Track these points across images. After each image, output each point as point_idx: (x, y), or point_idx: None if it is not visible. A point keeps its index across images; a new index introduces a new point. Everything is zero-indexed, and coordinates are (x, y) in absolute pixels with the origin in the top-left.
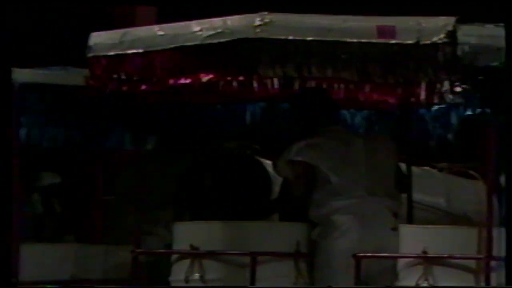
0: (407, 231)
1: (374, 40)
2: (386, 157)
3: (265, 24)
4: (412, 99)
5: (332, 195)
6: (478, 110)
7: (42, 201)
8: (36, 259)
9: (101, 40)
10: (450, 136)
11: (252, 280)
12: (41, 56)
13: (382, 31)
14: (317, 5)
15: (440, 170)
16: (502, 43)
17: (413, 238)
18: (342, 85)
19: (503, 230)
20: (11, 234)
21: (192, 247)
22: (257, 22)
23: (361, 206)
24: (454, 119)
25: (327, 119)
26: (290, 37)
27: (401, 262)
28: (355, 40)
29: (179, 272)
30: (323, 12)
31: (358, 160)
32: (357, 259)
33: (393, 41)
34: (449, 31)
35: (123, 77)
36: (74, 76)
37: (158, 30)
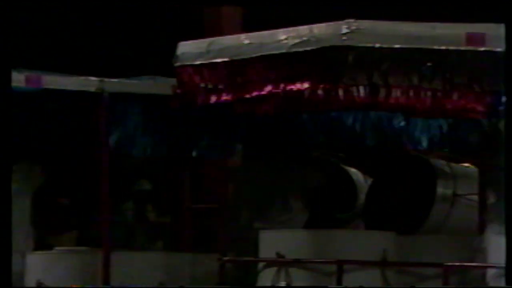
0: None
1: (462, 48)
2: None
3: (352, 32)
4: (500, 108)
5: None
6: None
7: (135, 209)
8: (126, 266)
9: (188, 49)
10: None
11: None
12: (130, 66)
13: (472, 39)
14: (400, 12)
15: None
16: None
17: None
18: (429, 93)
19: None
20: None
21: (278, 255)
22: (344, 30)
23: None
24: None
25: None
26: (377, 45)
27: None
28: (443, 48)
29: (265, 280)
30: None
31: None
32: None
33: (482, 49)
34: None
35: (210, 86)
36: (162, 86)
37: (244, 39)
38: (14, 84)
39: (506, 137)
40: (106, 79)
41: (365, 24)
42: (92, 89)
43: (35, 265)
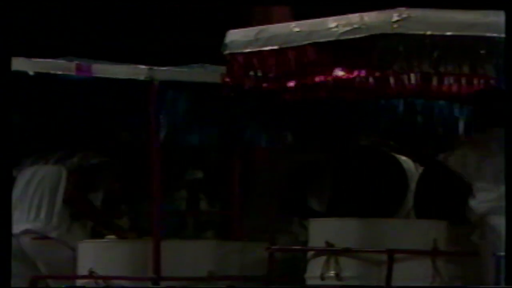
0: None
1: None
2: None
3: (403, 19)
4: None
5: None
6: None
7: (187, 198)
8: (176, 255)
9: (237, 37)
10: None
11: (388, 279)
12: (179, 54)
13: None
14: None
15: None
16: None
17: None
18: (482, 81)
19: None
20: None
21: (328, 244)
22: (395, 18)
23: None
24: None
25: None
26: (428, 32)
27: None
28: (495, 35)
29: (314, 269)
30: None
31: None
32: None
33: None
34: None
35: (259, 74)
36: (212, 74)
37: (294, 26)
38: (64, 72)
39: (506, 137)
40: (155, 68)
41: (416, 12)
42: (142, 77)
43: (87, 253)
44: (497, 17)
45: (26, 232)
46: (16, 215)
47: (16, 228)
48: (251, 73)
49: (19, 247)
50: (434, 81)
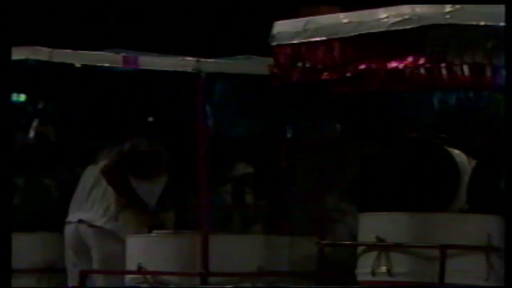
0: None
1: None
2: None
3: (456, 10)
4: None
5: None
6: None
7: (233, 192)
8: (224, 250)
9: (284, 28)
10: None
11: (441, 275)
12: (226, 46)
13: None
14: None
15: None
16: None
17: None
18: None
19: None
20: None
21: (378, 239)
22: (448, 8)
23: None
24: None
25: None
26: (482, 23)
27: None
28: None
29: (365, 264)
30: None
31: None
32: None
33: None
34: None
35: (307, 65)
36: (259, 65)
37: (343, 18)
38: (112, 65)
39: (506, 137)
40: (202, 59)
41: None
42: (189, 69)
43: (135, 247)
44: None
45: (82, 221)
46: (75, 205)
47: (75, 217)
48: (299, 64)
49: (76, 235)
50: (488, 73)
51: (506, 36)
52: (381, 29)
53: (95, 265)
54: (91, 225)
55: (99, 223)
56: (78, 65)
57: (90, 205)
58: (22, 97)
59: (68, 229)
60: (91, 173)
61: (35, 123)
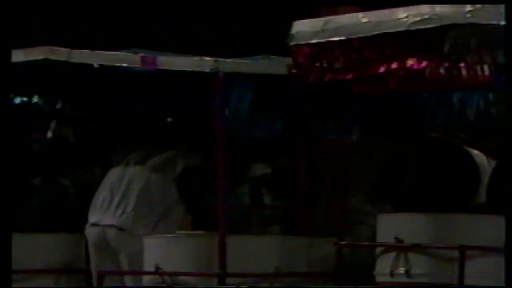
0: None
1: None
2: None
3: (476, 9)
4: None
5: None
6: None
7: (250, 192)
8: (242, 251)
9: (303, 28)
10: None
11: (461, 277)
12: (245, 46)
13: None
14: None
15: None
16: None
17: None
18: None
19: None
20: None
21: (397, 239)
22: (468, 8)
23: None
24: None
25: None
26: (502, 22)
27: None
28: None
29: (384, 265)
30: None
31: None
32: None
33: None
34: None
35: (326, 65)
36: (277, 65)
37: (362, 17)
38: (130, 65)
39: (506, 137)
40: (220, 59)
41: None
42: (207, 69)
43: (153, 249)
44: None
45: (111, 226)
46: (100, 207)
47: (103, 221)
48: (318, 64)
49: (104, 239)
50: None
51: (506, 36)
52: (401, 29)
53: (125, 269)
54: (120, 229)
55: (137, 231)
56: (96, 65)
57: (122, 209)
58: (41, 98)
59: (93, 231)
60: (120, 175)
61: (53, 123)
